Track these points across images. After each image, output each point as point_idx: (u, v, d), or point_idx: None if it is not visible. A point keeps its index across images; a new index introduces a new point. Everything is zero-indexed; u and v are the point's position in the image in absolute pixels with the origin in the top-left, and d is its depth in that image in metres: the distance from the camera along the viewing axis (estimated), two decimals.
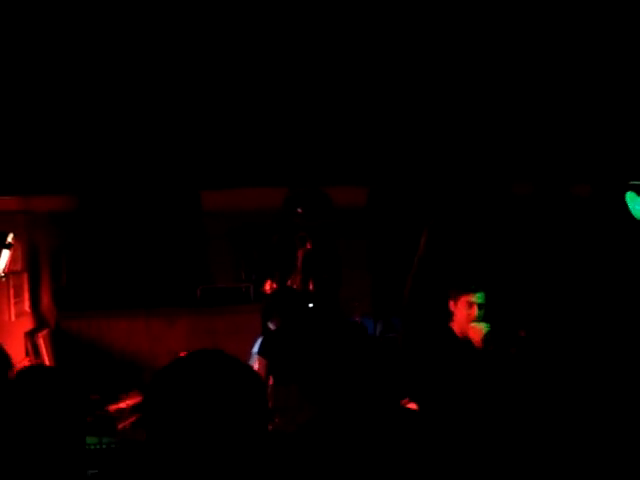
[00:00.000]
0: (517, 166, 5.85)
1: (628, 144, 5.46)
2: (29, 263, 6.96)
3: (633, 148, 5.50)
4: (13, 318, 6.52)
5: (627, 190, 6.18)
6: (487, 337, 4.96)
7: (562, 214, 7.59)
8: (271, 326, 5.65)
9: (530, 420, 4.09)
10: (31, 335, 6.81)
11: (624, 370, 4.82)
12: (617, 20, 4.55)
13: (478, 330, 4.99)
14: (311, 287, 6.75)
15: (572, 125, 5.35)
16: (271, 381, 5.38)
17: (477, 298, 5.05)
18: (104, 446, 5.04)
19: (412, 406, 4.40)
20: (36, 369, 2.69)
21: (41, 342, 6.91)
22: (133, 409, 5.94)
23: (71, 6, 4.44)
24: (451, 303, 5.09)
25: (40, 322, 7.19)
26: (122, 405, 6.02)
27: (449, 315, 5.15)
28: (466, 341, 5.00)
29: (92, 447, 4.98)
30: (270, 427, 5.00)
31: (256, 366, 5.72)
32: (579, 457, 3.99)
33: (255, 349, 6.04)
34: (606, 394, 4.45)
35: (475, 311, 5.02)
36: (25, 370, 2.59)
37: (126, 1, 4.56)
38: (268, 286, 8.01)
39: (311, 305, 6.07)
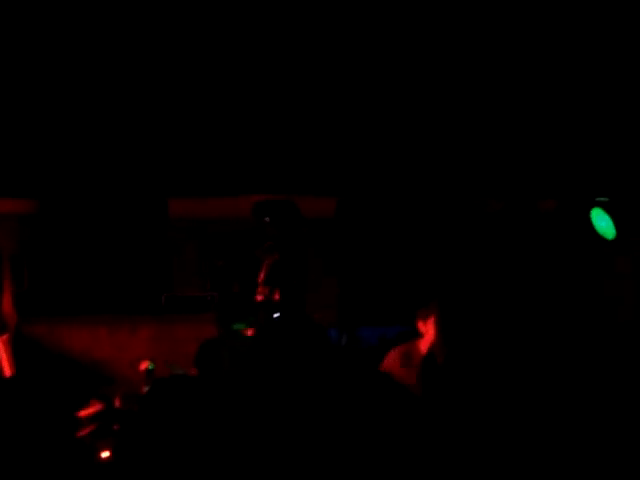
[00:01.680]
0: (486, 181, 5.87)
1: (595, 162, 5.51)
2: None
3: (599, 166, 5.54)
4: None
5: (593, 206, 6.24)
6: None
7: (530, 228, 7.64)
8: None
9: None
10: None
11: (590, 376, 4.90)
12: (586, 39, 4.58)
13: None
14: (277, 297, 6.68)
15: (541, 142, 5.38)
16: None
17: None
18: None
19: None
20: None
21: (1, 347, 6.78)
22: (93, 418, 5.83)
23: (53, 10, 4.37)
24: (420, 323, 5.25)
25: (0, 326, 7.06)
26: (82, 413, 5.90)
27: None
28: (431, 357, 5.13)
29: None
30: None
31: None
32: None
33: None
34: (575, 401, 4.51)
35: None
36: None
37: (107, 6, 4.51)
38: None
39: (276, 315, 6.01)
